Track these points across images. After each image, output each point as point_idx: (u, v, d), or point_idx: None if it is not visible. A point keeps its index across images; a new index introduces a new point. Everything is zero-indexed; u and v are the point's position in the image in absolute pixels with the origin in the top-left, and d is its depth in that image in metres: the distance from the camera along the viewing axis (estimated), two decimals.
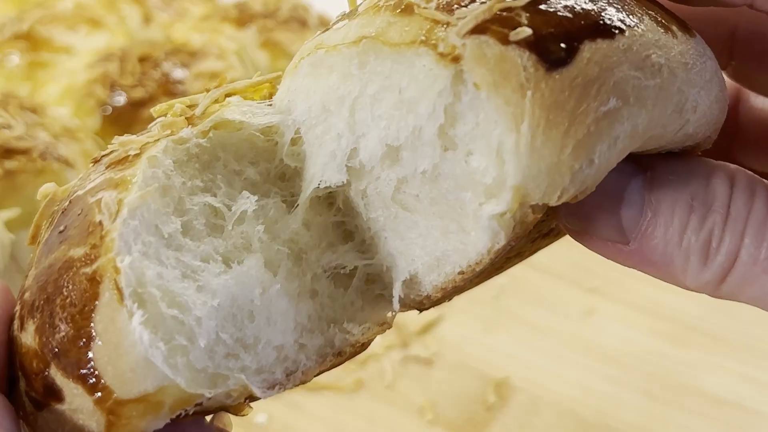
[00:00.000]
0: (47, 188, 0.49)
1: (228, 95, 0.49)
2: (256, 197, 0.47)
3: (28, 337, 0.43)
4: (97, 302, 0.41)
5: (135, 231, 0.42)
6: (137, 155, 0.45)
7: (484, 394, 0.86)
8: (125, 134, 0.48)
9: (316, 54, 0.46)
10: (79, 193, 0.45)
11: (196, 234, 0.45)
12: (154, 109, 0.49)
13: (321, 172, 0.47)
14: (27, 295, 0.44)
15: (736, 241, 0.43)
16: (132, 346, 0.40)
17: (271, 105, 0.50)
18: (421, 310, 0.50)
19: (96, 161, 0.48)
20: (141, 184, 0.43)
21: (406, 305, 0.49)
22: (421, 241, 0.46)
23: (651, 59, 0.42)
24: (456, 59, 0.41)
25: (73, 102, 1.07)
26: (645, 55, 0.42)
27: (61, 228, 0.45)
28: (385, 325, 0.50)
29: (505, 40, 0.40)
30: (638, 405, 0.85)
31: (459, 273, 0.45)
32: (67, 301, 0.42)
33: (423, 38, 0.42)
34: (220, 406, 0.44)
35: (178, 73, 1.08)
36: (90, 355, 0.41)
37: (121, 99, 1.05)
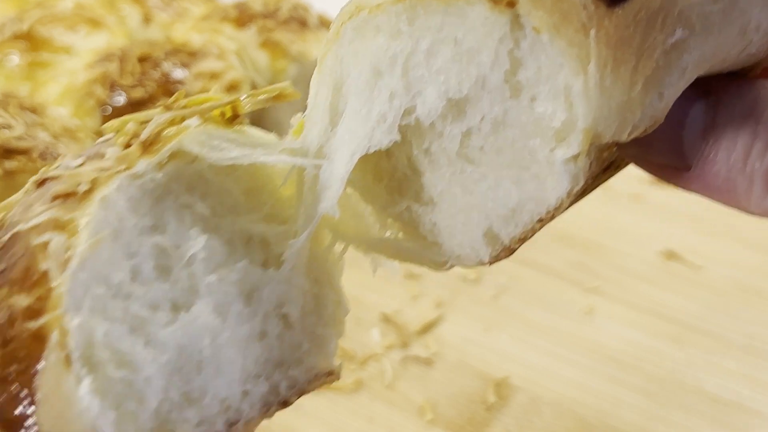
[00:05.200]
0: None
1: (183, 118, 0.46)
2: (205, 236, 0.45)
3: None
4: (40, 364, 0.39)
5: (84, 285, 0.40)
6: (88, 191, 0.42)
7: (484, 393, 0.86)
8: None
9: (358, 16, 0.45)
10: (21, 228, 0.42)
11: (144, 278, 0.43)
12: (105, 126, 0.46)
13: (367, 139, 0.46)
14: None
15: None
16: (79, 415, 0.38)
17: (236, 131, 0.47)
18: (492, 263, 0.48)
19: (39, 184, 0.44)
20: (92, 230, 0.41)
21: (479, 261, 0.48)
22: (492, 193, 0.45)
23: None
24: (510, 4, 0.40)
25: (73, 102, 1.07)
26: None
27: (1, 267, 0.42)
28: (332, 376, 0.49)
29: None
30: (638, 405, 0.85)
31: (538, 221, 0.44)
32: (9, 356, 0.40)
33: None
34: None
35: (178, 73, 1.08)
36: (32, 419, 0.39)
37: (121, 99, 1.05)
